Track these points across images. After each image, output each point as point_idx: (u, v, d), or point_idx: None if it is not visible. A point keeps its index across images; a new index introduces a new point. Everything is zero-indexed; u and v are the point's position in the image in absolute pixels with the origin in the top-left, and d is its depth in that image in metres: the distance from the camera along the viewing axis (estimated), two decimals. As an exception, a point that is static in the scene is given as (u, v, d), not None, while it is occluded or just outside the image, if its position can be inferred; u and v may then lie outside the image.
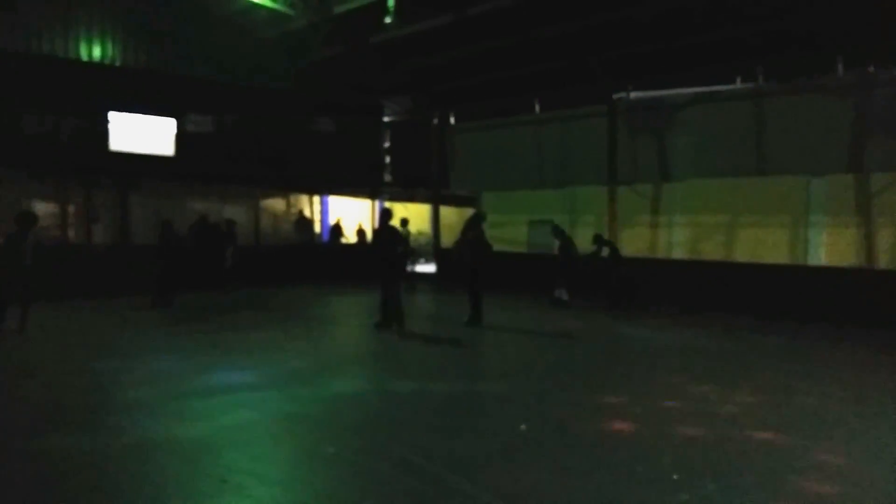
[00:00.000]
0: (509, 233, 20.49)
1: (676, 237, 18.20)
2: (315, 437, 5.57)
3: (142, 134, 17.16)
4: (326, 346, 10.37)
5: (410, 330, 11.05)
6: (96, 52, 16.97)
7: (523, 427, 5.72)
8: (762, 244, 16.61)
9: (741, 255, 16.57)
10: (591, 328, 11.97)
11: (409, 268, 16.86)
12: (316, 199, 22.42)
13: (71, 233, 16.67)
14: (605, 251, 14.57)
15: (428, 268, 22.85)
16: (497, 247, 14.08)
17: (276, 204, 21.19)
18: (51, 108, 15.41)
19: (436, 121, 22.34)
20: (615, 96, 17.76)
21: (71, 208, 16.62)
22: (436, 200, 22.40)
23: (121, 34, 17.40)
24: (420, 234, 25.18)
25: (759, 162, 16.00)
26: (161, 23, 17.94)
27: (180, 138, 17.74)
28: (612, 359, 9.36)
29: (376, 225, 12.11)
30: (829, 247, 15.80)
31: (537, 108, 20.14)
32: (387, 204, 21.17)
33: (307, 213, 21.95)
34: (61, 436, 5.42)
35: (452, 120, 22.72)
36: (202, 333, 10.68)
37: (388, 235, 11.42)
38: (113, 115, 16.68)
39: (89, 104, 16.20)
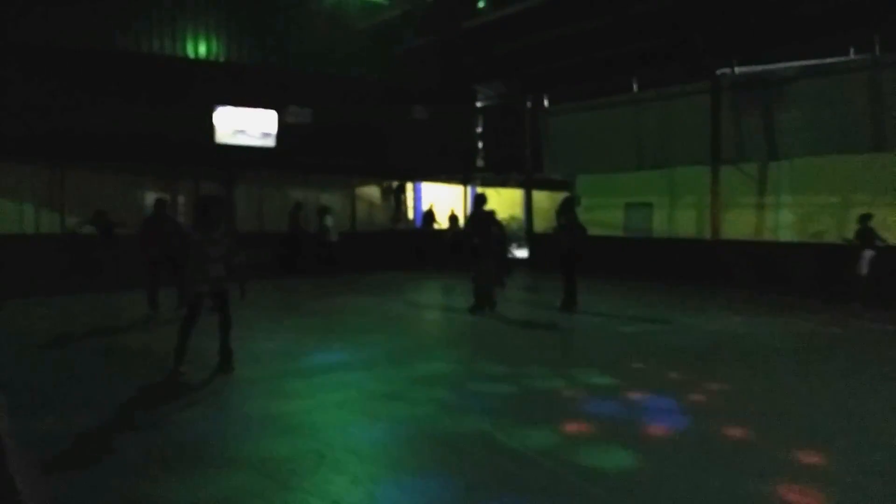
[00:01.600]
0: (605, 216, 20.10)
1: (784, 219, 17.29)
2: (409, 417, 5.66)
3: (245, 126, 17.90)
4: (421, 329, 10.51)
5: (504, 314, 11.04)
6: (202, 49, 17.78)
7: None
8: (880, 225, 15.52)
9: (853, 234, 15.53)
10: (689, 315, 11.56)
11: (506, 254, 16.87)
12: (410, 185, 22.71)
13: (182, 222, 17.59)
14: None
15: (521, 253, 22.72)
16: (593, 231, 13.84)
17: (371, 191, 21.61)
18: (161, 104, 16.27)
19: (529, 104, 22.11)
20: (718, 72, 17.01)
21: (181, 199, 17.53)
22: (528, 185, 22.21)
23: (223, 32, 18.15)
24: (513, 219, 25.07)
25: (876, 138, 14.95)
26: (260, 19, 18.59)
27: (281, 130, 18.39)
28: (707, 348, 9.01)
29: (469, 210, 12.14)
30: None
31: (635, 86, 19.58)
32: (479, 189, 21.21)
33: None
34: (171, 410, 5.76)
35: (546, 103, 22.43)
36: (301, 317, 11.05)
37: (482, 220, 11.43)
38: (218, 110, 17.46)
39: (196, 100, 17.02)
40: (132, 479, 4.24)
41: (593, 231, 14.45)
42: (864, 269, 12.02)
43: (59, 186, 16.07)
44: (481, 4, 16.40)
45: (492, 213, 11.56)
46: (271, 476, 4.29)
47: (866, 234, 12.21)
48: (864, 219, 12.36)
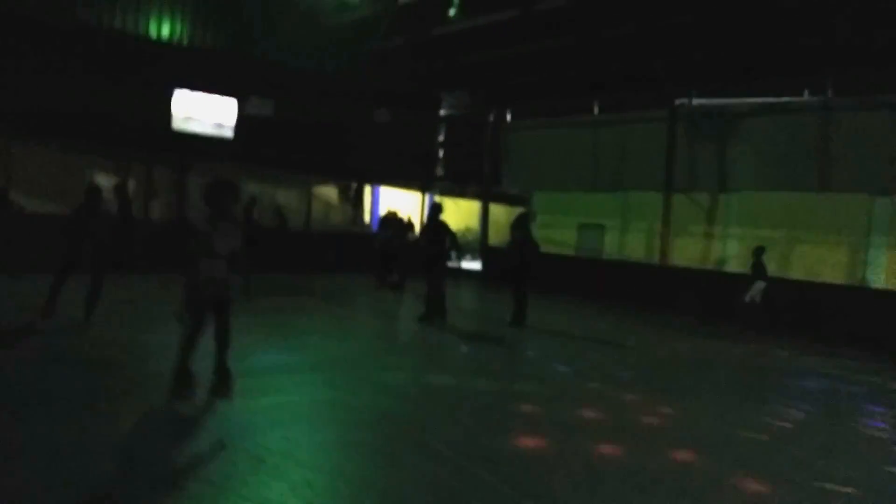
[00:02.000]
0: (559, 235, 20.34)
1: (730, 250, 17.78)
2: (350, 423, 5.61)
3: (203, 113, 17.51)
4: (369, 335, 10.44)
5: (453, 325, 11.05)
6: (165, 30, 17.36)
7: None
8: (820, 262, 16.12)
9: (797, 272, 16.10)
10: (636, 333, 11.76)
11: (453, 263, 16.86)
12: (368, 188, 22.59)
13: (133, 209, 17.12)
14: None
15: (474, 265, 22.81)
16: (545, 248, 13.97)
17: (328, 191, 21.42)
18: (118, 83, 15.82)
19: (492, 117, 22.27)
20: (677, 101, 17.43)
21: (131, 184, 17.06)
22: (486, 197, 22.34)
23: (189, 13, 17.74)
24: (468, 230, 25.19)
25: (822, 178, 15.51)
26: (229, 4, 18.25)
27: (240, 120, 18.06)
28: (642, 368, 9.18)
29: (425, 219, 12.17)
30: (890, 269, 15.25)
31: (595, 109, 19.89)
32: (437, 198, 21.26)
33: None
34: (109, 403, 5.58)
35: (508, 117, 22.61)
36: (248, 315, 10.85)
37: (436, 230, 11.43)
38: (177, 93, 17.03)
39: (155, 82, 16.60)
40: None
41: (546, 249, 14.60)
42: (756, 297, 13.31)
43: (4, 161, 15.46)
44: (452, 12, 16.45)
45: (446, 223, 11.57)
46: (207, 480, 4.19)
47: (758, 266, 13.46)
48: (758, 252, 13.60)
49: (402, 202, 23.17)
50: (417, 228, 20.18)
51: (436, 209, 11.71)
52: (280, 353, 8.06)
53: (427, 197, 22.73)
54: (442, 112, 23.48)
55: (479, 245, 22.62)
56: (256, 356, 7.81)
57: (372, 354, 8.62)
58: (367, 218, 22.61)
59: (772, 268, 15.99)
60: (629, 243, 18.67)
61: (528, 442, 5.41)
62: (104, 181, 15.86)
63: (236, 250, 5.88)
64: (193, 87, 17.29)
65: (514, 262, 11.68)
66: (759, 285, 13.35)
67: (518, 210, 17.49)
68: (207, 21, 18.06)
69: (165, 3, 17.37)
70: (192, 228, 5.92)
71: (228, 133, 17.88)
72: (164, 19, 17.39)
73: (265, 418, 5.50)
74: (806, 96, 16.00)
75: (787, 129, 15.92)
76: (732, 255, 17.59)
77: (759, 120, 16.51)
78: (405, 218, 21.89)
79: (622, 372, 8.56)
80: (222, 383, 5.96)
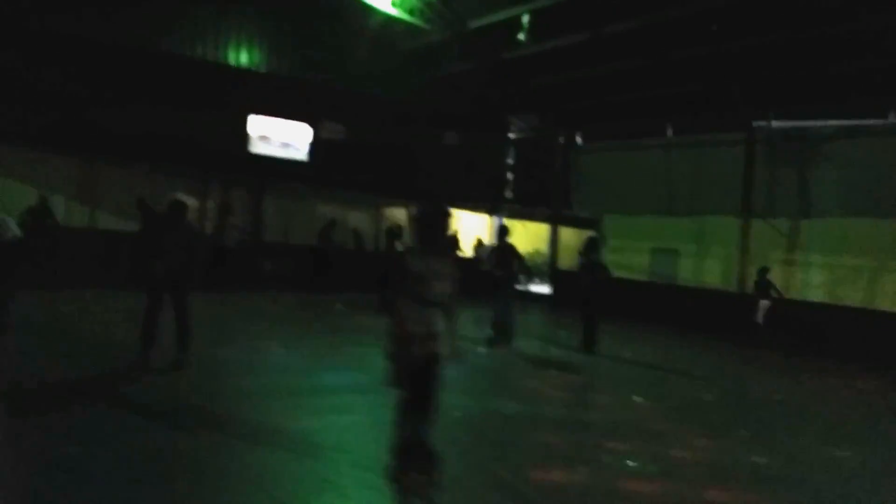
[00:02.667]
0: (631, 259, 19.88)
1: (813, 278, 16.97)
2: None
3: (278, 137, 18.06)
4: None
5: (520, 350, 10.89)
6: (243, 58, 17.99)
7: (630, 463, 5.39)
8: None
9: (884, 302, 15.22)
10: (701, 363, 11.33)
11: (521, 286, 16.72)
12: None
13: (208, 227, 17.69)
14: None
15: (543, 289, 22.53)
16: (617, 273, 13.67)
17: (398, 213, 21.63)
18: (198, 109, 16.45)
19: (562, 140, 22.09)
20: (754, 124, 16.87)
21: (209, 205, 17.64)
22: (555, 220, 22.10)
23: (266, 42, 18.34)
24: (537, 253, 24.95)
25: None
26: (303, 32, 18.78)
27: (314, 144, 18.51)
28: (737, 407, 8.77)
29: (494, 241, 12.12)
30: None
31: (669, 131, 19.47)
32: (505, 221, 21.16)
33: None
34: (176, 420, 5.69)
35: (579, 140, 22.39)
36: (323, 335, 11.00)
37: (505, 253, 11.34)
38: (253, 119, 17.63)
39: (233, 107, 17.21)
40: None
41: (618, 273, 14.29)
42: (760, 317, 13.71)
43: (92, 181, 16.24)
44: (521, 37, 16.45)
45: (513, 246, 11.46)
46: (274, 498, 4.19)
47: (763, 285, 13.86)
48: (762, 272, 14.05)
49: (470, 225, 23.21)
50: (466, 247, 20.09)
51: (503, 232, 11.65)
52: (352, 372, 8.09)
53: (495, 220, 22.66)
54: (511, 135, 23.46)
55: (548, 269, 22.35)
56: (328, 374, 7.88)
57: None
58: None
59: (857, 298, 15.33)
60: (705, 269, 18.04)
61: (577, 476, 5.22)
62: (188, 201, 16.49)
63: (450, 296, 4.45)
64: (269, 113, 17.86)
65: (583, 286, 11.46)
66: (764, 304, 13.74)
67: (588, 233, 17.21)
68: (283, 49, 18.62)
69: (244, 33, 18.01)
70: (401, 265, 4.42)
71: (302, 156, 18.36)
72: (243, 48, 18.03)
73: (334, 438, 5.49)
74: (891, 118, 15.25)
75: (873, 153, 15.17)
76: (816, 283, 16.78)
77: (843, 143, 15.79)
78: (474, 241, 21.95)
79: (701, 405, 8.22)
80: (424, 469, 4.45)
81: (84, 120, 15.02)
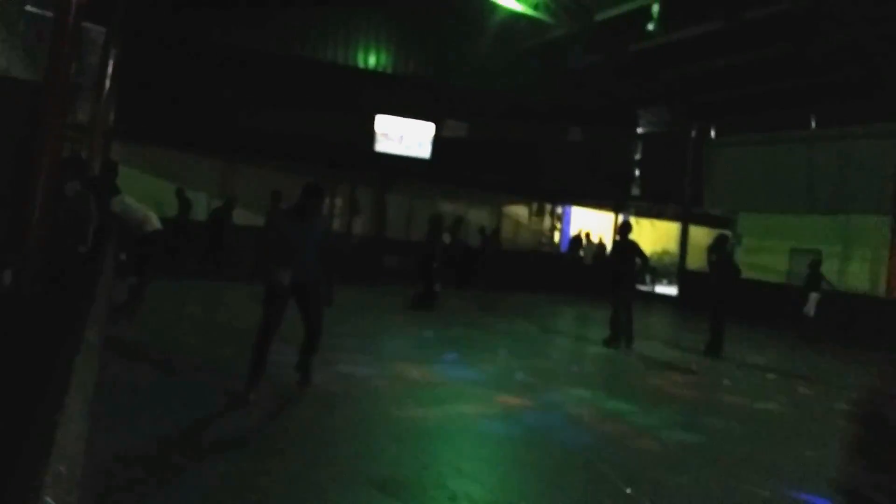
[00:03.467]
0: (768, 260, 18.64)
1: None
2: (520, 441, 5.45)
3: (402, 136, 18.48)
4: (551, 355, 10.21)
5: (640, 351, 10.49)
6: (371, 60, 18.56)
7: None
8: None
9: None
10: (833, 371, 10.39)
11: (645, 287, 16.12)
12: (558, 209, 22.39)
13: (335, 223, 18.42)
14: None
15: (670, 290, 21.66)
16: (752, 275, 12.87)
17: (518, 210, 21.53)
18: (326, 109, 17.15)
19: (694, 134, 21.10)
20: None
21: (337, 201, 18.35)
22: (685, 219, 21.15)
23: (393, 45, 18.83)
24: (665, 253, 24.03)
25: None
26: (427, 33, 19.11)
27: (436, 142, 18.79)
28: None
29: (616, 237, 11.71)
30: None
31: (812, 123, 18.09)
32: (632, 218, 20.51)
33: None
34: (297, 408, 5.91)
35: (713, 133, 21.29)
36: (437, 328, 11.11)
37: (626, 249, 10.96)
38: (379, 118, 18.15)
39: (360, 107, 17.80)
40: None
41: (753, 275, 13.45)
42: (810, 310, 13.45)
43: (231, 179, 17.32)
44: (650, 27, 15.83)
45: (635, 243, 11.04)
46: (371, 481, 4.25)
47: (813, 278, 13.68)
48: (814, 265, 13.83)
49: (595, 223, 22.71)
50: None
51: (626, 227, 11.25)
52: (465, 368, 8.10)
53: (621, 217, 22.02)
54: (639, 129, 22.69)
55: (677, 269, 21.45)
56: (443, 367, 7.94)
57: (550, 375, 8.38)
58: (556, 238, 22.38)
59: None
60: (850, 272, 16.62)
61: (700, 480, 4.90)
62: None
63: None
64: (394, 112, 18.32)
65: (711, 285, 10.88)
66: (815, 297, 13.50)
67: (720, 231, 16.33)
68: (409, 51, 19.03)
69: (372, 37, 18.59)
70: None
71: (425, 154, 18.68)
72: (371, 51, 18.60)
73: (438, 427, 5.51)
74: None
75: None
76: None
77: None
78: (597, 240, 21.42)
79: (842, 415, 7.56)
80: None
81: (225, 121, 16.05)
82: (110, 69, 10.95)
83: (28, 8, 8.09)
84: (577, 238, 21.59)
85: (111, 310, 8.16)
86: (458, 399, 6.48)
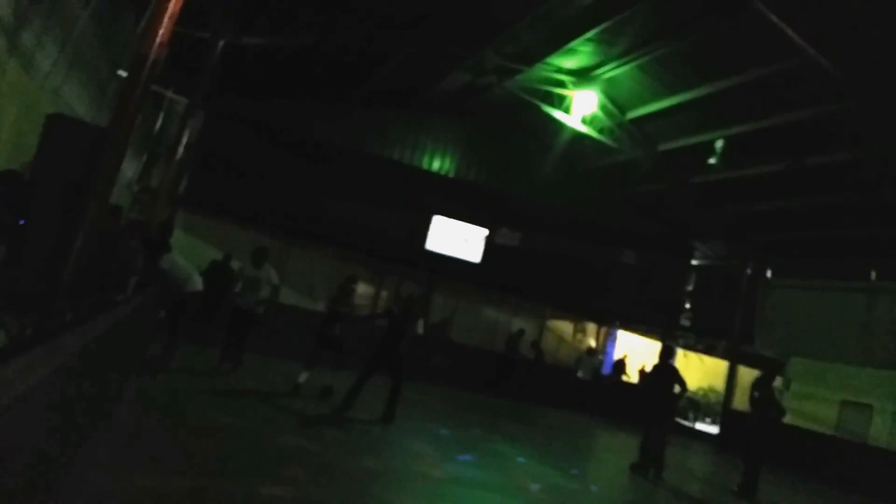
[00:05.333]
0: (816, 409, 17.74)
1: None
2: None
3: (455, 238, 18.84)
4: (575, 474, 9.80)
5: (669, 482, 9.97)
6: (435, 163, 19.23)
7: None
8: None
9: None
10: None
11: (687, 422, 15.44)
12: (603, 329, 22.06)
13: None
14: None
15: (711, 428, 20.73)
16: (798, 422, 12.25)
17: (562, 326, 21.30)
18: (385, 204, 17.74)
19: (749, 271, 20.77)
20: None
21: (384, 293, 18.57)
22: (734, 357, 20.47)
23: (458, 151, 19.51)
24: (710, 391, 23.21)
25: None
26: (492, 143, 19.75)
27: (488, 248, 19.04)
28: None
29: (656, 360, 11.41)
30: None
31: (873, 275, 17.62)
32: (680, 351, 20.01)
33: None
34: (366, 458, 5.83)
35: (769, 273, 20.91)
36: (459, 431, 10.86)
37: (666, 375, 10.65)
38: (436, 219, 18.62)
39: (418, 206, 18.34)
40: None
41: (799, 423, 12.80)
42: None
43: (283, 259, 17.80)
44: (712, 161, 16.01)
45: (676, 369, 10.72)
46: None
47: None
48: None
49: (638, 348, 22.22)
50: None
51: (667, 352, 11.03)
52: (487, 473, 7.85)
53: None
54: (693, 261, 22.50)
55: (721, 409, 20.58)
56: (462, 468, 7.72)
57: (573, 495, 8.02)
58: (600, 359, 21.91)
59: None
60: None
61: None
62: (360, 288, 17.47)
63: None
64: (451, 215, 18.76)
65: (750, 424, 10.42)
66: None
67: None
68: (472, 158, 19.68)
69: (440, 142, 19.34)
70: None
71: (476, 258, 18.92)
72: (436, 155, 19.31)
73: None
74: None
75: None
76: None
77: None
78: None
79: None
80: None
81: (288, 203, 16.71)
82: (185, 139, 11.67)
83: (119, 72, 8.80)
84: (622, 362, 21.08)
85: (142, 362, 8.33)
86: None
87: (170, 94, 12.55)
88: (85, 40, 7.89)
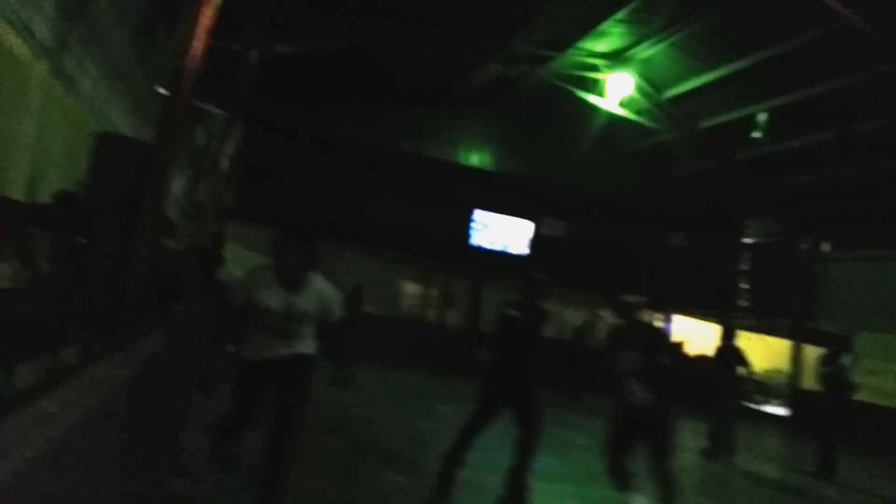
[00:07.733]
0: (887, 384, 17.06)
1: None
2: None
3: (500, 232, 18.67)
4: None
5: (742, 467, 9.67)
6: (474, 158, 19.06)
7: None
8: None
9: None
10: None
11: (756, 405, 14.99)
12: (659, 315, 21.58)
13: (429, 313, 18.54)
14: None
15: (780, 410, 20.12)
16: (873, 399, 11.78)
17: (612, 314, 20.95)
18: (427, 203, 17.67)
19: (806, 246, 20.09)
20: None
21: (433, 291, 18.51)
22: (798, 336, 19.83)
23: (496, 143, 19.30)
24: (778, 371, 22.53)
25: None
26: (530, 133, 19.46)
27: (534, 240, 18.82)
28: None
29: (719, 343, 11.05)
30: None
31: (941, 239, 16.86)
32: (742, 333, 19.45)
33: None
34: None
35: (828, 247, 20.19)
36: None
37: (729, 356, 10.36)
38: (478, 214, 18.46)
39: (460, 202, 18.22)
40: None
41: (873, 399, 12.30)
42: None
43: (331, 263, 17.86)
44: (757, 135, 15.50)
45: (739, 350, 10.41)
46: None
47: None
48: None
49: (695, 333, 21.71)
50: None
51: (728, 334, 10.70)
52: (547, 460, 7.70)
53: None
54: (746, 240, 21.87)
55: (789, 389, 19.98)
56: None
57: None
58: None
59: None
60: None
61: None
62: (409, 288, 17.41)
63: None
64: (493, 209, 18.60)
65: (822, 401, 10.04)
66: None
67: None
68: (511, 149, 19.43)
69: (476, 136, 19.16)
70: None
71: (523, 251, 18.71)
72: (473, 149, 19.14)
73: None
74: None
75: None
76: None
77: None
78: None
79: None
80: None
81: (330, 208, 16.78)
82: (227, 151, 11.78)
83: (158, 89, 8.91)
84: (680, 346, 20.62)
85: (201, 378, 8.39)
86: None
87: (208, 107, 12.70)
88: (123, 58, 8.00)
